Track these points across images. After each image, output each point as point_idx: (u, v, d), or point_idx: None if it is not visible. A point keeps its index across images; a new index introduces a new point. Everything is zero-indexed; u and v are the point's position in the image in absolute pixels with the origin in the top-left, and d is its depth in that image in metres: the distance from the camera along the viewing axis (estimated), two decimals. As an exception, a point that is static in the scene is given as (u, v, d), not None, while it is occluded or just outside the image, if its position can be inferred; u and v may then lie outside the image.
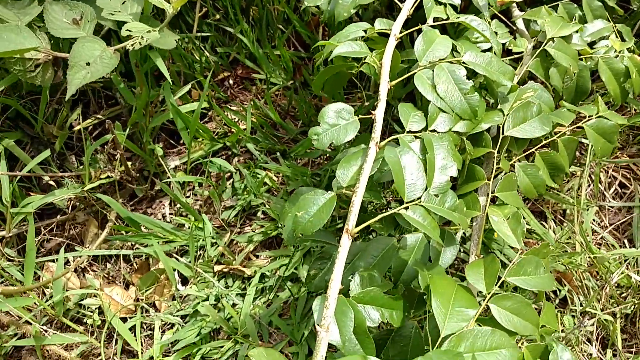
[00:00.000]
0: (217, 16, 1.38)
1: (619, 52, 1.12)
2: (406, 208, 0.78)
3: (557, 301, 1.15)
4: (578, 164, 1.28)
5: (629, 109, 1.37)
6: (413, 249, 0.92)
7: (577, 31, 1.14)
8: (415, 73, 0.93)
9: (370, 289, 0.79)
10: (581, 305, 1.14)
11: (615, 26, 1.19)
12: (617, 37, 1.16)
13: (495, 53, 1.05)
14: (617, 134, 1.04)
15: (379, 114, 0.86)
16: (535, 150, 1.01)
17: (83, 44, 0.96)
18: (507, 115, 0.99)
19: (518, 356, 0.73)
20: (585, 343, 1.12)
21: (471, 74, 0.95)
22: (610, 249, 1.21)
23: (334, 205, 0.80)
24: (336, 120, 0.89)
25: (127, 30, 0.94)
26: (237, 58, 1.41)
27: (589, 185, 1.27)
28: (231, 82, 1.42)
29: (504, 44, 1.14)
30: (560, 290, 1.15)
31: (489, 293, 0.81)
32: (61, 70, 1.05)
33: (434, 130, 0.91)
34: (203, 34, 1.38)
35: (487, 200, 0.95)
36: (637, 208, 1.24)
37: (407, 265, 0.90)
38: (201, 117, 1.34)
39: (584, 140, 1.29)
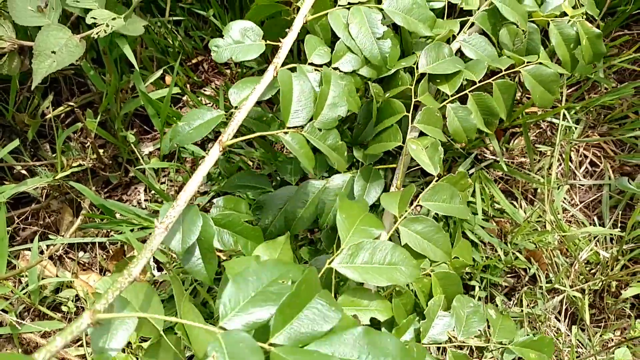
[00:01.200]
0: None
1: (571, 18, 1.09)
2: (286, 133, 0.77)
3: (526, 279, 1.17)
4: (549, 144, 1.30)
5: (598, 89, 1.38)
6: (340, 189, 0.95)
7: None
8: (332, 11, 0.91)
9: (230, 213, 0.79)
10: (550, 282, 1.16)
11: (578, -2, 1.17)
12: (576, 5, 1.14)
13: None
14: (557, 84, 1.01)
15: (287, 42, 0.85)
16: (469, 92, 0.98)
17: (48, 32, 0.95)
18: (419, 55, 0.97)
19: (417, 275, 0.73)
20: (554, 319, 1.15)
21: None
22: (581, 227, 1.23)
23: (217, 124, 0.79)
24: (241, 38, 0.88)
25: (92, 17, 0.93)
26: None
27: (560, 165, 1.28)
28: (205, 66, 1.42)
29: (455, 4, 1.12)
30: (529, 269, 1.17)
31: (400, 216, 0.82)
32: (28, 59, 1.04)
33: (336, 69, 0.91)
34: (176, 18, 1.36)
35: (407, 131, 0.94)
36: (607, 186, 1.26)
37: (331, 205, 0.94)
38: (175, 103, 1.34)
39: (554, 121, 1.30)
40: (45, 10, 0.99)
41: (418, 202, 0.85)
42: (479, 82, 0.97)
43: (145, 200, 1.25)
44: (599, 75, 1.34)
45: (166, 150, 1.08)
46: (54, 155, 1.20)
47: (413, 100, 0.94)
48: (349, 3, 0.92)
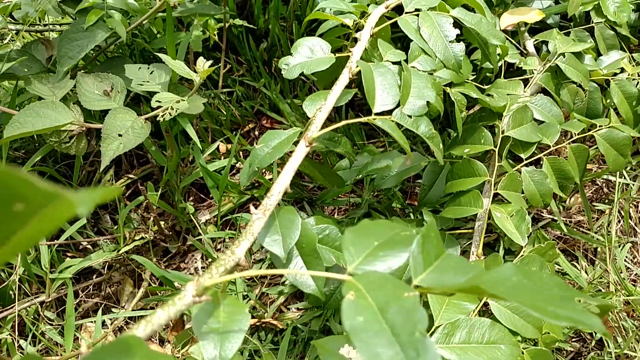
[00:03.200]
0: (241, 71, 1.42)
1: (631, 76, 1.11)
2: (374, 119, 0.76)
3: (593, 343, 1.14)
4: (607, 201, 1.28)
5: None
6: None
7: (586, 51, 1.14)
8: (400, 17, 0.92)
9: (326, 226, 0.73)
10: (619, 347, 1.12)
11: (632, 55, 1.19)
12: (630, 62, 1.16)
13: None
14: (629, 147, 1.01)
15: (356, 51, 0.85)
16: (544, 155, 0.99)
17: (115, 115, 0.99)
18: (507, 115, 0.98)
19: (517, 353, 0.69)
20: (626, 386, 1.10)
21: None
22: (646, 286, 1.19)
23: (295, 139, 0.76)
24: (310, 54, 0.88)
25: (156, 101, 0.97)
26: (261, 110, 1.44)
27: (619, 222, 1.26)
28: (257, 132, 1.45)
29: (513, 64, 1.15)
30: (595, 333, 1.13)
31: None
32: (94, 139, 1.09)
33: (413, 67, 0.90)
34: (228, 90, 1.41)
35: (490, 197, 0.93)
36: (671, 243, 1.23)
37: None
38: (229, 171, 1.37)
39: (611, 178, 1.28)
40: (111, 94, 1.04)
41: None
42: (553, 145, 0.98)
43: (202, 267, 1.27)
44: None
45: (246, 181, 1.05)
46: (115, 227, 1.24)
47: (497, 163, 0.94)
48: (416, 10, 0.93)
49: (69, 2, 1.18)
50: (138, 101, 1.27)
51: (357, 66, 0.82)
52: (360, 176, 1.08)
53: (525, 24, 1.26)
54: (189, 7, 1.22)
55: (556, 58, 1.10)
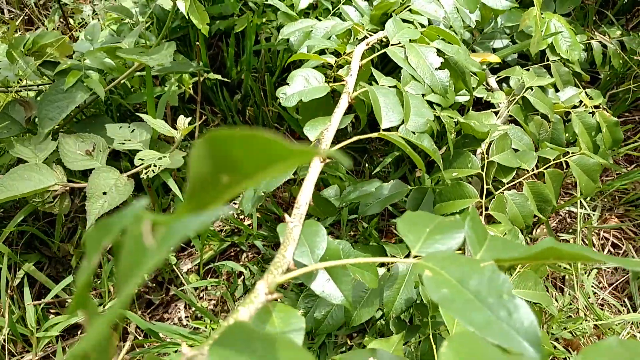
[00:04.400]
0: (217, 121, 1.46)
1: (588, 109, 1.20)
2: (383, 134, 0.82)
3: (568, 369, 1.19)
4: (570, 231, 1.35)
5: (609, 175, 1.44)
6: (404, 276, 0.91)
7: (547, 85, 1.23)
8: (388, 49, 0.98)
9: (339, 241, 0.73)
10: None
11: (585, 91, 1.28)
12: (587, 96, 1.25)
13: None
14: (599, 173, 1.09)
15: (350, 80, 0.91)
16: (524, 180, 1.06)
17: (98, 174, 1.02)
18: (491, 142, 1.06)
19: None
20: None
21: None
22: (613, 309, 1.25)
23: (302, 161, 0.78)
24: (305, 83, 0.93)
25: (139, 159, 1.01)
26: (237, 157, 1.48)
27: (584, 250, 1.33)
28: (233, 179, 1.49)
29: (480, 98, 1.23)
30: (568, 358, 1.19)
31: None
32: (77, 197, 1.12)
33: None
34: (203, 139, 1.45)
35: (482, 217, 0.99)
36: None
37: (398, 295, 0.90)
38: (208, 219, 1.40)
39: (573, 209, 1.36)
40: (93, 153, 1.07)
41: None
42: (531, 170, 1.06)
43: (186, 317, 1.29)
44: (609, 161, 1.40)
45: (250, 208, 1.00)
46: (99, 281, 1.25)
47: (485, 185, 1.01)
48: (399, 43, 1.00)
49: (47, 64, 1.21)
50: (117, 156, 1.30)
51: (354, 90, 0.89)
52: (344, 205, 1.12)
53: (490, 63, 1.35)
54: (167, 66, 1.27)
55: (524, 91, 1.18)
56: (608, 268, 1.32)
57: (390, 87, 0.96)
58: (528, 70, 1.33)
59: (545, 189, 1.05)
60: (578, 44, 1.35)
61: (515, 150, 1.11)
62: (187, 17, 1.07)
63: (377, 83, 0.99)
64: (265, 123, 1.49)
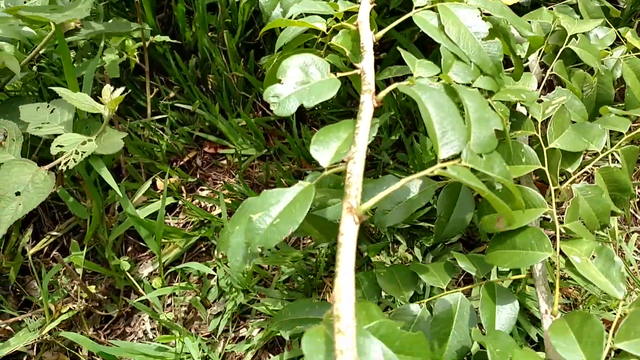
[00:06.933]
0: (172, 94, 1.23)
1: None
2: (444, 168, 0.53)
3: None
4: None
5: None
6: (453, 315, 0.69)
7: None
8: (414, 14, 0.72)
9: (379, 321, 0.48)
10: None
11: (617, 29, 1.05)
12: (632, 37, 1.01)
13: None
14: None
15: (366, 65, 0.64)
16: (593, 166, 0.79)
17: (9, 170, 0.80)
18: (548, 120, 0.79)
19: None
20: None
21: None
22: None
23: (311, 200, 0.52)
24: (305, 78, 0.64)
25: (57, 146, 0.78)
26: (201, 135, 1.26)
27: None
28: (199, 162, 1.27)
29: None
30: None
31: None
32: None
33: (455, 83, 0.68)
34: (159, 117, 1.23)
35: (557, 235, 0.68)
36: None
37: (450, 335, 0.67)
38: (170, 211, 1.18)
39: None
40: (5, 143, 0.85)
41: (611, 345, 0.57)
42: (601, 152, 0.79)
43: (152, 329, 1.08)
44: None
45: (238, 267, 0.67)
46: (40, 299, 1.04)
47: (552, 187, 0.74)
48: (428, 1, 0.74)
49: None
50: (47, 146, 1.08)
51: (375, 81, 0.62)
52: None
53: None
54: (97, 29, 1.03)
55: (568, 42, 0.93)
56: (648, 231, 1.11)
57: (431, 78, 0.67)
58: (551, 10, 1.08)
59: (622, 174, 0.78)
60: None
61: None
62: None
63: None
64: (230, 92, 1.26)
